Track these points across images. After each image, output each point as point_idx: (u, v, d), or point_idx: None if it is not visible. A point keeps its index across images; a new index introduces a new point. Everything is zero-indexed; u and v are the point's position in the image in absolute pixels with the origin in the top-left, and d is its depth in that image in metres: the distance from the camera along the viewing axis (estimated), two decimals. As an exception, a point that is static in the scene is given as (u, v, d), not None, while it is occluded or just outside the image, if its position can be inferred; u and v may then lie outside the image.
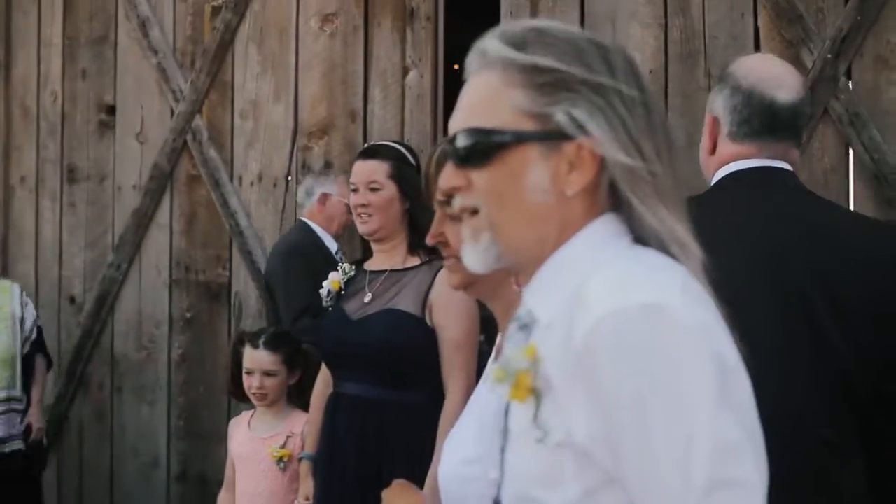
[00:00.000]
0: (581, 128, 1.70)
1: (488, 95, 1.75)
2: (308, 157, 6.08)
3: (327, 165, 6.00)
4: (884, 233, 3.07)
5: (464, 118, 1.78)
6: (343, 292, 4.50)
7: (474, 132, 1.74)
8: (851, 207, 4.80)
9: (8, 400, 5.90)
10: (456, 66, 6.38)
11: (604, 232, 1.75)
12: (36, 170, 7.15)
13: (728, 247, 2.94)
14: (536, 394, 1.68)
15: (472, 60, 1.80)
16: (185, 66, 6.55)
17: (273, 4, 6.25)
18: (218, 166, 6.35)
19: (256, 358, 4.83)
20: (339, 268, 4.54)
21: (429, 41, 5.77)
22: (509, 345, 1.80)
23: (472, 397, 2.52)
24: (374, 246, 4.49)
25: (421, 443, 4.10)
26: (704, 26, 5.11)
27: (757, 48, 4.99)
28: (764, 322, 2.88)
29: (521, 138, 1.72)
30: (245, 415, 5.01)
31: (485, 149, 1.73)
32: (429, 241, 2.54)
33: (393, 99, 5.84)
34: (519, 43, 1.74)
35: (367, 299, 4.39)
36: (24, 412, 5.95)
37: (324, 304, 4.59)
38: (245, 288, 6.28)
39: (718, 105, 3.27)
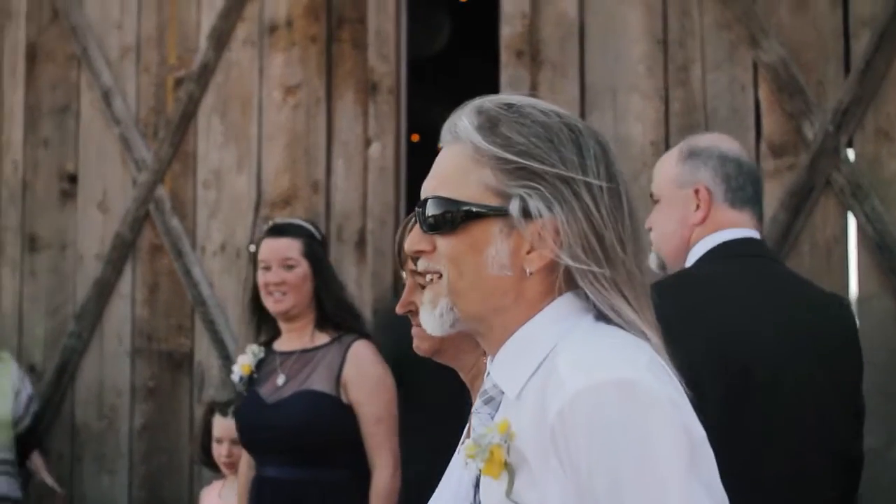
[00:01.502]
0: (548, 209, 1.75)
1: (458, 168, 1.82)
2: (271, 227, 6.12)
3: (290, 236, 6.04)
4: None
5: (434, 186, 1.84)
6: (255, 375, 4.50)
7: (442, 201, 1.81)
8: (854, 277, 4.89)
9: (3, 462, 6.01)
10: (415, 138, 6.48)
11: (567, 308, 1.80)
12: (-4, 238, 7.14)
13: (761, 316, 3.07)
14: (510, 469, 1.73)
15: (445, 132, 1.86)
16: (148, 136, 6.59)
17: (236, 76, 6.31)
18: (181, 236, 6.38)
19: (225, 426, 4.87)
20: (247, 350, 4.54)
21: (391, 114, 5.84)
22: (476, 418, 1.85)
23: (448, 471, 2.57)
24: (283, 325, 4.52)
25: None
26: (705, 99, 5.16)
27: (758, 121, 5.05)
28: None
29: (484, 213, 1.78)
30: (216, 484, 5.03)
31: (450, 218, 1.79)
32: (399, 309, 2.60)
33: (355, 170, 5.90)
34: (489, 125, 1.80)
35: (280, 381, 4.40)
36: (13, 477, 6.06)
37: (236, 389, 4.60)
38: (207, 357, 6.29)
39: (705, 175, 3.34)
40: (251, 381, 4.50)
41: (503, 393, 1.82)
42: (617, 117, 5.31)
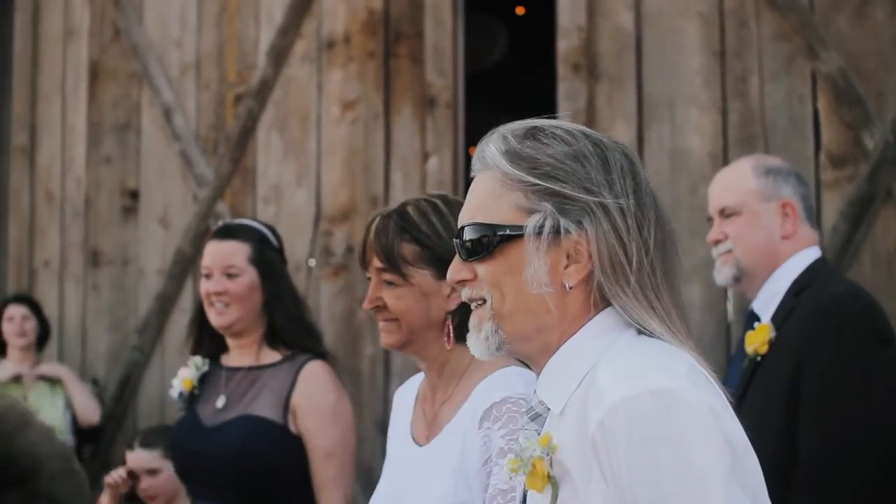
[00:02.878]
0: (578, 223, 1.81)
1: (490, 194, 1.88)
2: (330, 241, 6.16)
3: (349, 250, 6.08)
4: None
5: (468, 215, 1.90)
6: (196, 392, 3.90)
7: (477, 227, 1.87)
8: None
9: None
10: (472, 151, 6.50)
11: (609, 323, 1.85)
12: (60, 253, 7.24)
13: None
14: (553, 482, 1.78)
15: (475, 161, 1.94)
16: (208, 152, 6.66)
17: (294, 92, 6.36)
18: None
19: (135, 458, 4.67)
20: (190, 363, 3.95)
21: (449, 128, 5.87)
22: (523, 435, 1.88)
23: (392, 466, 2.62)
24: (229, 340, 3.91)
25: None
26: (763, 110, 5.14)
27: (817, 132, 5.02)
28: None
29: (518, 234, 1.83)
30: None
31: (487, 243, 1.86)
32: (366, 305, 2.65)
33: (414, 184, 5.93)
34: (515, 150, 1.86)
35: (220, 403, 3.79)
36: None
37: (176, 407, 4.04)
38: (267, 371, 6.33)
39: (790, 191, 3.52)
40: (192, 398, 3.90)
41: (549, 409, 1.87)
42: (675, 129, 5.30)
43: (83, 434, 6.48)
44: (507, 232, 1.84)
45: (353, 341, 6.03)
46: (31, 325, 6.30)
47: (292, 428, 3.66)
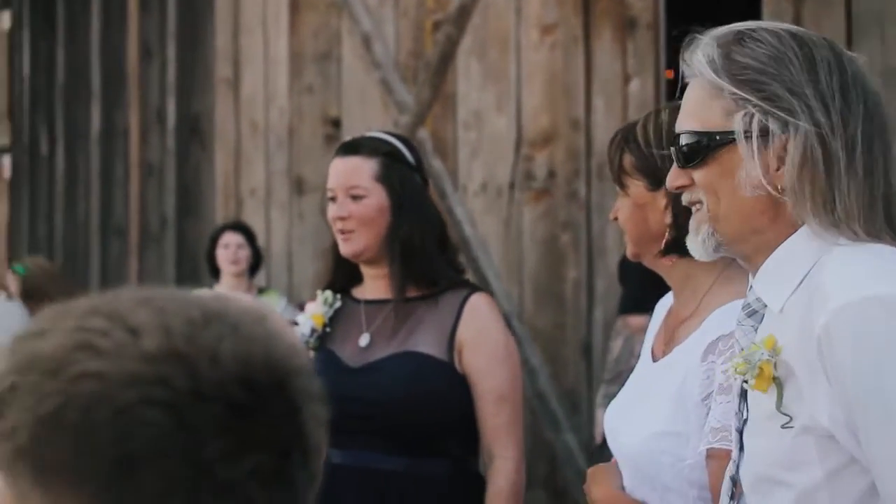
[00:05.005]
0: (784, 126, 1.83)
1: (699, 101, 1.93)
2: (531, 166, 6.19)
3: (551, 174, 6.10)
4: None
5: (682, 123, 1.96)
6: (328, 330, 3.39)
7: (690, 135, 1.92)
8: None
9: None
10: (669, 74, 6.44)
11: (824, 223, 1.85)
12: (265, 182, 7.43)
13: None
14: (778, 383, 1.82)
15: (683, 69, 1.97)
16: (408, 80, 6.73)
17: (493, 17, 6.37)
18: (442, 176, 6.50)
19: None
20: (318, 297, 3.44)
21: (650, 49, 5.81)
22: (740, 330, 1.95)
23: (637, 373, 2.62)
24: (364, 270, 3.39)
25: None
26: None
27: None
28: None
29: (729, 139, 1.88)
30: None
31: (700, 149, 1.91)
32: (610, 216, 2.61)
33: (615, 108, 5.90)
34: (721, 55, 1.89)
35: (363, 342, 3.34)
36: None
37: (306, 346, 3.43)
38: (471, 295, 6.41)
39: None
40: (322, 337, 3.39)
41: (766, 306, 1.92)
42: (885, 48, 5.14)
43: None
44: (718, 138, 1.89)
45: (556, 265, 6.06)
46: (245, 253, 6.49)
47: (458, 367, 3.26)
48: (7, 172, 8.98)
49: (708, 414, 2.26)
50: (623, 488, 2.48)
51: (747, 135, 1.85)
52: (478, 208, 6.42)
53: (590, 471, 2.59)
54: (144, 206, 8.17)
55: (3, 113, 9.10)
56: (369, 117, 6.90)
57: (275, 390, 1.04)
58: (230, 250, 6.43)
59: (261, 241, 7.30)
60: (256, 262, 6.65)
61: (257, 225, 7.38)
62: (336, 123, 7.07)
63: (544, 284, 6.11)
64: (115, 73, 8.32)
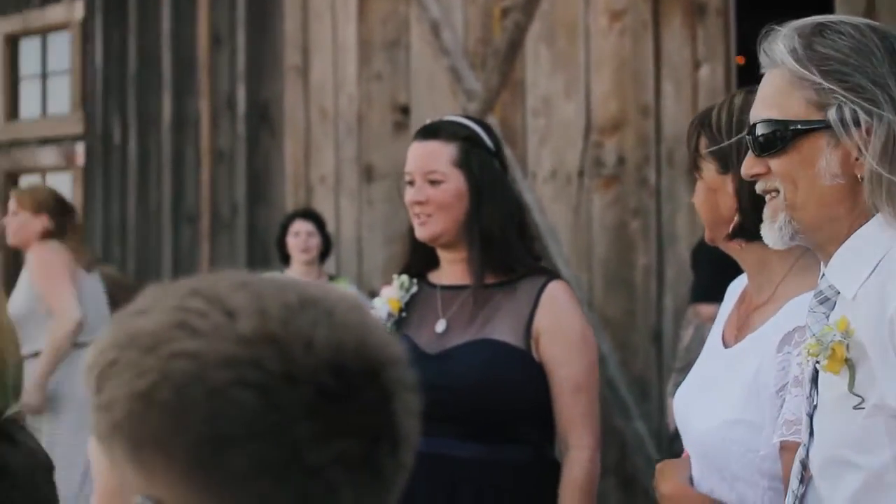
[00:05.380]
0: (867, 116, 1.86)
1: (780, 91, 1.94)
2: (600, 153, 6.18)
3: (620, 161, 6.08)
4: None
5: (760, 111, 1.97)
6: (403, 314, 3.40)
7: (770, 123, 1.94)
8: None
9: None
10: (740, 60, 6.40)
11: None
12: (335, 169, 7.48)
13: None
14: (850, 364, 1.86)
15: (763, 58, 1.99)
16: (476, 67, 6.73)
17: (561, 3, 6.36)
18: (511, 164, 6.50)
19: None
20: (394, 282, 3.44)
21: (720, 36, 5.78)
22: (812, 317, 1.99)
23: (702, 361, 2.61)
24: (440, 254, 3.38)
25: None
26: None
27: None
28: None
29: (810, 129, 1.90)
30: None
31: (779, 138, 1.93)
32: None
33: (685, 94, 5.88)
34: (803, 46, 1.91)
35: (440, 328, 3.33)
36: None
37: None
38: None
39: None
40: (398, 322, 3.39)
41: (838, 293, 1.95)
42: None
43: None
44: (799, 127, 1.91)
45: (626, 252, 6.05)
46: (316, 241, 6.53)
47: (535, 356, 3.24)
48: (81, 160, 9.08)
49: (782, 406, 2.25)
50: (692, 481, 2.48)
51: (829, 125, 1.87)
52: (547, 195, 6.42)
53: (658, 465, 2.60)
54: (215, 193, 8.25)
55: (76, 102, 9.21)
56: (438, 104, 6.91)
57: (366, 378, 1.05)
58: (300, 238, 6.48)
59: (330, 227, 7.35)
60: (326, 249, 6.69)
61: (327, 212, 7.43)
62: (405, 111, 7.09)
63: (614, 271, 6.11)
64: (186, 61, 8.39)
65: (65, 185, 8.61)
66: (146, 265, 8.53)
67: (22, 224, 6.03)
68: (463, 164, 3.26)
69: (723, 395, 2.41)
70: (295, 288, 1.08)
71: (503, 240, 3.30)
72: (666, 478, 2.52)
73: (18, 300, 5.88)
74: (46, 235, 6.07)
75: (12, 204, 6.09)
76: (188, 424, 1.01)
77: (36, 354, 5.79)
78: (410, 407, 1.10)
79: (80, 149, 9.12)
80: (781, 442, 2.22)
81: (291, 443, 1.01)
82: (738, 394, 2.37)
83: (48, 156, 9.48)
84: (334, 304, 1.08)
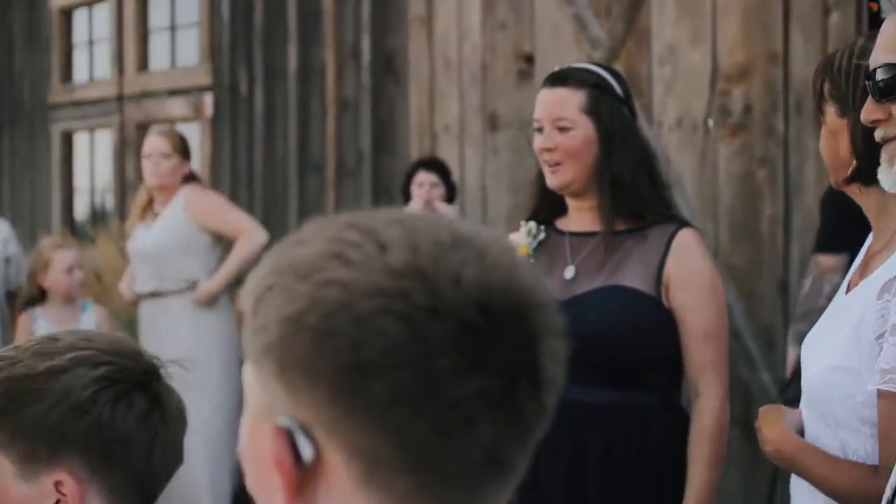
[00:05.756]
0: None
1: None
2: (727, 101, 6.12)
3: (747, 109, 6.02)
4: None
5: (880, 56, 1.96)
6: (532, 261, 3.30)
7: (889, 67, 1.92)
8: None
9: None
10: (874, 7, 6.27)
11: None
12: (459, 118, 7.51)
13: None
14: None
15: (884, 2, 1.98)
16: (601, 15, 6.69)
17: (688, -50, 6.29)
18: (637, 112, 6.47)
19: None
20: (521, 228, 3.43)
21: (852, -19, 5.68)
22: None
23: (832, 304, 2.59)
24: (569, 201, 3.38)
25: (653, 458, 3.25)
26: None
27: None
28: None
29: None
30: None
31: None
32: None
33: (815, 41, 5.78)
34: None
35: (568, 274, 3.31)
36: None
37: None
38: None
39: None
40: None
41: None
42: None
43: None
44: None
45: (752, 201, 6.00)
46: (439, 192, 6.58)
47: (664, 302, 3.24)
48: (209, 111, 9.24)
49: (880, 353, 2.24)
50: (798, 428, 2.49)
51: None
52: (672, 144, 6.38)
53: (762, 409, 2.60)
54: (340, 143, 8.33)
55: (205, 54, 9.35)
56: (562, 53, 6.89)
57: (512, 318, 1.07)
58: (424, 189, 6.53)
59: (454, 176, 7.39)
60: (451, 197, 6.74)
61: (451, 160, 7.46)
62: (529, 59, 7.08)
63: (740, 221, 6.06)
64: (311, 12, 8.47)
65: (194, 135, 8.75)
66: (272, 214, 8.66)
67: (175, 167, 6.23)
68: (592, 111, 3.25)
69: (832, 341, 2.41)
70: (449, 227, 1.10)
71: (633, 187, 3.28)
72: (769, 422, 2.53)
73: (165, 238, 6.12)
74: (190, 180, 6.30)
75: (164, 146, 6.24)
76: (333, 350, 1.04)
77: (194, 285, 6.06)
78: (556, 351, 1.11)
79: (208, 100, 9.28)
80: (878, 390, 2.22)
81: (432, 374, 1.04)
82: (843, 339, 2.36)
83: (177, 107, 9.66)
84: (487, 244, 1.10)
